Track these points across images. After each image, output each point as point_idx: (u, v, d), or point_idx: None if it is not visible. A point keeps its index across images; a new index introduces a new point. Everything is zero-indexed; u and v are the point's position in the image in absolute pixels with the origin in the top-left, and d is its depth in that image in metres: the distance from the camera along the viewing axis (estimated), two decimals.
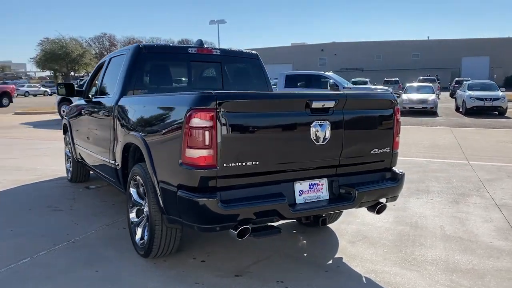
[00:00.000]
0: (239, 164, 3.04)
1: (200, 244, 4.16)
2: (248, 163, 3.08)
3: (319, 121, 3.30)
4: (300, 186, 3.40)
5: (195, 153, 2.95)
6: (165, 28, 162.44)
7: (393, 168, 3.87)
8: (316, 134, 3.29)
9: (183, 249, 3.98)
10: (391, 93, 3.90)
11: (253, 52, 5.26)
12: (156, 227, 3.51)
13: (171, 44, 4.93)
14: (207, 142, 2.91)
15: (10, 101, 27.59)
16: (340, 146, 3.46)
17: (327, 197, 3.51)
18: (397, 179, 3.80)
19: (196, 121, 2.91)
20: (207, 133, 2.90)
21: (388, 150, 3.77)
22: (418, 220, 5.01)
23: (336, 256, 3.95)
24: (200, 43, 4.95)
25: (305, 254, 4.02)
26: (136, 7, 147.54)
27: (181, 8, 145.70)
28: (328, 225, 4.73)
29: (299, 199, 3.38)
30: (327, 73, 16.56)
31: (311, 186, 3.45)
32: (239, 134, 3.04)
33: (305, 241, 4.38)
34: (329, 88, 14.98)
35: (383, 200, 3.76)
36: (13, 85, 31.13)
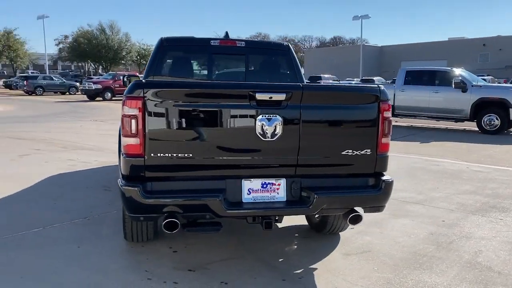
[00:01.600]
0: (169, 155, 2.97)
1: (190, 235, 4.15)
2: (180, 155, 2.98)
3: (267, 115, 3.01)
4: (250, 184, 3.16)
5: (125, 141, 2.97)
6: (316, 26, 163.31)
7: (379, 174, 3.33)
8: (262, 129, 3.01)
9: (170, 237, 4.03)
10: (377, 86, 3.32)
11: (284, 43, 5.02)
12: (124, 214, 3.62)
13: (195, 37, 4.98)
14: (133, 131, 2.91)
15: (113, 95, 29.34)
16: (296, 144, 3.11)
17: (284, 199, 3.20)
18: (378, 187, 3.26)
19: (126, 109, 2.92)
20: (133, 121, 2.90)
21: (368, 153, 3.25)
22: (456, 240, 4.22)
23: (312, 266, 3.57)
24: (226, 35, 4.91)
25: (280, 260, 3.72)
26: (290, 7, 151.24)
27: (330, 5, 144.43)
28: (340, 233, 4.30)
29: (246, 198, 3.15)
30: (455, 69, 14.76)
31: (264, 185, 3.18)
32: (169, 124, 2.95)
33: (295, 246, 4.06)
34: (453, 86, 13.37)
35: (359, 209, 3.28)
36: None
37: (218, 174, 3.11)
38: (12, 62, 52.95)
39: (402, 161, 8.46)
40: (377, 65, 58.54)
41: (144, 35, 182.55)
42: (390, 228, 4.56)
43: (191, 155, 3.00)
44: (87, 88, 29.77)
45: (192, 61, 4.96)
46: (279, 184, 3.20)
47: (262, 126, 3.01)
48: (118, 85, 30.29)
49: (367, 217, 4.69)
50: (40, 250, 3.79)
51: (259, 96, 2.96)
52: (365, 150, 3.24)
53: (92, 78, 36.22)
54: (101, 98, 29.36)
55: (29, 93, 36.82)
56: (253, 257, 3.73)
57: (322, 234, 4.25)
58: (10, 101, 26.72)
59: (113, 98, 29.72)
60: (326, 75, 36.81)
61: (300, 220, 4.45)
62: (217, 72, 4.99)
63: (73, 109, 21.28)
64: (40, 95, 36.24)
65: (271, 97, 2.99)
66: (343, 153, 3.20)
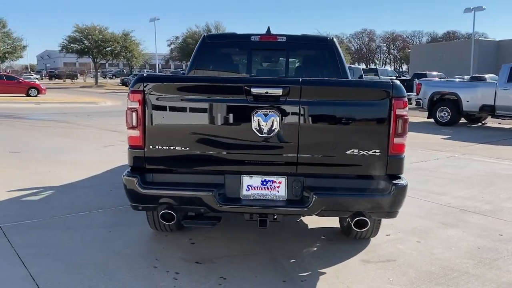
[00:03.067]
0: (168, 148, 3.04)
1: (214, 228, 4.19)
2: (177, 148, 3.04)
3: (263, 110, 2.93)
4: (250, 181, 3.11)
5: (129, 133, 3.10)
6: (427, 21, 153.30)
7: (391, 177, 3.06)
8: (259, 124, 2.94)
9: (195, 229, 4.13)
10: (389, 81, 3.02)
11: (327, 37, 4.82)
12: None
13: (236, 33, 4.98)
14: (134, 123, 3.03)
15: None
16: (296, 141, 2.98)
17: (285, 198, 3.09)
18: (388, 191, 3.00)
19: (128, 103, 3.05)
20: (134, 114, 3.01)
21: (378, 153, 3.00)
22: (504, 257, 3.73)
23: (322, 270, 3.40)
24: (268, 30, 4.86)
25: (292, 261, 3.59)
26: (397, 1, 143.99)
27: None
28: (371, 239, 4.04)
29: (245, 194, 3.10)
30: None
31: (264, 183, 3.10)
32: (167, 117, 3.02)
33: (315, 249, 3.88)
34: None
35: (366, 213, 3.05)
36: None
37: (216, 169, 3.10)
38: (129, 62, 57.90)
39: (486, 166, 7.67)
40: (494, 61, 53.38)
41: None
42: (432, 238, 4.17)
43: (188, 148, 3.04)
44: None
45: (232, 57, 4.98)
46: (279, 182, 3.10)
47: (258, 122, 2.94)
48: None
49: (410, 224, 4.45)
50: (75, 232, 4.11)
51: (255, 91, 2.90)
52: (373, 150, 3.00)
53: None
54: None
55: None
56: (266, 256, 3.66)
57: (351, 239, 4.01)
58: (119, 97, 29.20)
59: None
60: (433, 73, 34.55)
61: (331, 222, 4.25)
62: (257, 68, 4.96)
63: None
64: None
65: (267, 92, 2.90)
66: (348, 152, 3.00)
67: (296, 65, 5.01)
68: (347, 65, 4.83)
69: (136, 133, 3.04)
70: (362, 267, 3.49)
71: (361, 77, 19.23)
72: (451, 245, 3.99)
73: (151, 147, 3.04)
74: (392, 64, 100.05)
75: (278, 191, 3.09)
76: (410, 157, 8.55)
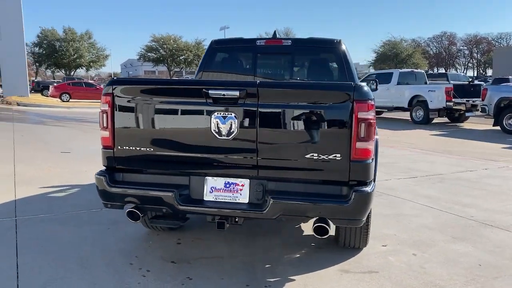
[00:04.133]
0: (133, 148, 3.15)
1: (207, 230, 4.25)
2: (143, 149, 3.14)
3: (222, 113, 2.94)
4: (214, 183, 3.12)
5: (101, 134, 3.25)
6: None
7: (355, 183, 2.92)
8: (217, 126, 2.96)
9: (188, 229, 4.22)
10: (350, 84, 2.88)
11: (334, 39, 4.69)
12: None
13: (243, 38, 5.00)
14: (105, 124, 3.18)
15: None
16: (254, 144, 2.95)
17: (247, 201, 3.07)
18: (347, 198, 2.86)
19: (101, 105, 3.21)
20: (104, 115, 3.16)
21: (338, 158, 2.88)
22: (504, 276, 3.40)
23: (292, 277, 3.31)
24: (274, 34, 4.85)
25: (267, 266, 3.53)
26: (481, 1, 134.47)
27: None
28: (363, 249, 3.88)
29: (208, 196, 3.12)
30: None
31: (228, 185, 3.10)
32: (132, 118, 3.13)
33: (297, 255, 3.79)
34: None
35: (326, 219, 2.93)
36: None
37: (180, 170, 3.16)
38: None
39: None
40: None
41: None
42: (432, 251, 3.90)
43: (152, 149, 3.13)
44: None
45: (238, 61, 5.01)
46: (242, 185, 3.08)
47: (217, 124, 2.96)
48: None
49: (415, 236, 4.21)
50: (79, 228, 4.36)
51: (213, 94, 2.92)
52: (333, 155, 2.88)
53: None
54: None
55: None
56: (243, 259, 3.64)
57: (341, 247, 3.87)
58: None
59: None
60: None
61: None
62: (262, 72, 4.95)
63: None
64: None
65: (224, 95, 2.91)
66: (308, 156, 2.91)
67: (301, 68, 4.94)
68: (354, 67, 4.68)
69: (106, 134, 3.19)
70: (337, 276, 3.36)
71: (424, 82, 18.36)
72: (449, 260, 3.71)
73: (119, 147, 3.17)
74: (475, 68, 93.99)
75: (240, 194, 3.08)
76: (456, 166, 8.07)
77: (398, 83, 17.59)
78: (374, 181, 3.41)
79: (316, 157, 2.89)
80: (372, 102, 2.89)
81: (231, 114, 2.93)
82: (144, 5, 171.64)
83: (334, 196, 2.92)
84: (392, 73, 18.34)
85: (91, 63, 54.92)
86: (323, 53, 4.79)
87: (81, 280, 3.21)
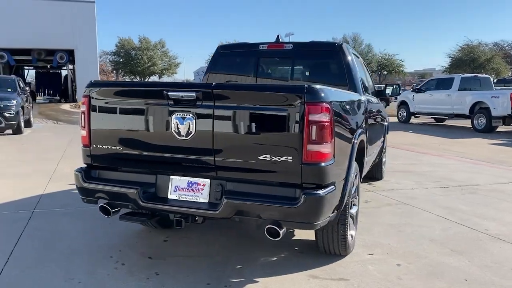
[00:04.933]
0: (106, 147, 3.34)
1: (195, 229, 4.36)
2: (113, 147, 3.32)
3: (180, 114, 3.05)
4: (178, 182, 3.23)
5: (80, 133, 3.49)
6: None
7: (311, 186, 2.88)
8: (177, 127, 3.06)
9: (178, 229, 4.35)
10: (303, 86, 2.83)
11: (335, 43, 4.62)
12: None
13: (247, 43, 5.06)
14: (83, 124, 3.41)
15: None
16: (210, 144, 3.02)
17: (207, 200, 3.13)
18: (297, 201, 2.83)
19: (81, 106, 3.45)
20: (83, 116, 3.40)
21: (290, 160, 2.86)
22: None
23: (257, 279, 3.31)
24: (276, 39, 4.88)
25: (238, 267, 3.55)
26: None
27: None
28: (346, 255, 3.78)
29: (172, 194, 3.23)
30: None
31: (190, 185, 3.19)
32: (105, 119, 3.33)
33: (275, 258, 3.76)
34: None
35: (280, 222, 2.92)
36: None
37: (147, 169, 3.30)
38: None
39: None
40: None
41: (385, 45, 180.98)
42: (420, 263, 3.72)
43: (121, 148, 3.30)
44: None
45: (241, 65, 5.08)
46: (203, 185, 3.15)
47: (177, 125, 3.07)
48: None
49: (410, 246, 4.08)
50: (83, 221, 4.66)
51: (172, 95, 3.03)
52: (285, 157, 2.87)
53: None
54: None
55: None
56: (219, 260, 3.69)
57: (321, 252, 3.80)
58: None
59: None
60: None
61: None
62: (264, 75, 4.98)
63: None
64: None
65: (182, 96, 3.01)
66: (261, 158, 2.93)
67: (302, 72, 4.92)
68: (360, 71, 4.58)
69: (84, 133, 3.42)
70: (303, 281, 3.31)
71: (490, 88, 17.24)
72: (433, 273, 3.51)
73: (94, 146, 3.38)
74: None
75: (201, 194, 3.15)
76: (498, 177, 7.52)
77: (460, 89, 16.65)
78: (347, 184, 3.34)
79: (269, 159, 2.90)
80: (327, 105, 2.84)
81: (189, 115, 3.02)
82: (215, 13, 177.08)
83: (284, 198, 2.90)
84: (453, 78, 17.41)
85: (164, 71, 57.55)
86: (322, 57, 4.74)
87: (59, 268, 3.44)
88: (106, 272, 3.40)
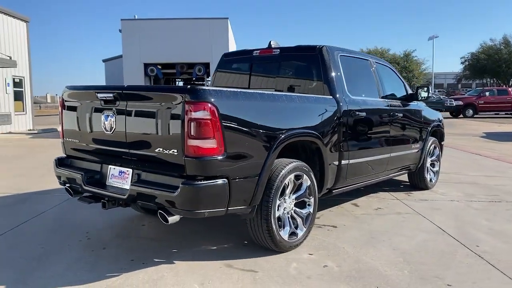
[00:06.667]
0: (70, 140, 4.10)
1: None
2: (74, 140, 4.05)
3: (106, 112, 3.62)
4: (113, 171, 3.79)
5: (58, 129, 4.30)
6: None
7: (199, 178, 3.20)
8: (104, 123, 3.64)
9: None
10: (185, 86, 3.09)
11: (316, 46, 4.66)
12: None
13: (246, 49, 5.33)
14: (59, 121, 4.22)
15: (475, 112, 28.11)
16: (124, 138, 3.52)
17: (128, 187, 3.61)
18: (176, 189, 3.15)
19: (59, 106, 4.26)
20: (59, 114, 4.21)
21: (175, 153, 3.21)
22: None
23: (175, 261, 3.68)
24: (268, 44, 5.13)
25: (173, 250, 3.94)
26: None
27: None
28: (285, 251, 3.90)
29: (109, 182, 3.79)
30: None
31: (120, 173, 3.72)
32: (69, 116, 4.08)
33: (215, 247, 4.04)
34: None
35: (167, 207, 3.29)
36: None
37: (95, 159, 3.93)
38: (409, 82, 57.26)
39: None
40: None
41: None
42: (349, 267, 3.63)
43: (78, 141, 4.00)
44: (448, 104, 29.35)
45: (240, 71, 5.41)
46: (128, 174, 3.66)
47: (104, 121, 3.65)
48: (482, 102, 28.42)
49: (357, 252, 3.95)
50: (92, 209, 5.36)
51: (99, 96, 3.62)
52: (173, 150, 3.23)
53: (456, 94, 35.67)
54: (462, 115, 28.33)
55: None
56: (164, 244, 4.13)
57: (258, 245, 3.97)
58: None
59: (475, 116, 28.06)
60: None
61: None
62: (255, 81, 5.23)
63: None
64: None
65: (105, 97, 3.58)
66: (157, 150, 3.33)
67: (286, 74, 5.05)
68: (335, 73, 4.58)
69: (59, 129, 4.21)
70: (213, 267, 3.56)
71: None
72: (352, 276, 3.42)
73: (66, 139, 4.16)
74: None
75: (126, 181, 3.65)
76: None
77: None
78: (260, 180, 3.50)
79: (162, 151, 3.29)
80: (209, 104, 3.11)
81: (111, 113, 3.58)
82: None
83: (170, 187, 3.23)
84: None
85: None
86: (303, 60, 4.82)
87: (39, 245, 4.11)
88: (78, 239, 4.17)
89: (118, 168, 3.75)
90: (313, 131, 4.06)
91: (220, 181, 3.24)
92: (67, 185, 4.06)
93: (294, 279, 3.38)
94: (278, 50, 4.97)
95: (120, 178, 3.72)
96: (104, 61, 40.79)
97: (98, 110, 3.73)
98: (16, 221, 4.85)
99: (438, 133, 7.06)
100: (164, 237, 4.34)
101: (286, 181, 3.80)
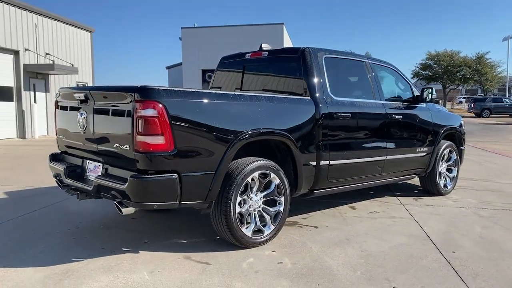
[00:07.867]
0: (60, 137, 4.51)
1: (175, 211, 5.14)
2: (64, 138, 4.45)
3: (80, 111, 3.97)
4: (90, 165, 4.13)
5: (53, 127, 4.73)
6: None
7: (145, 171, 3.42)
8: (79, 121, 3.99)
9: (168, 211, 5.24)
10: (136, 86, 3.30)
11: (299, 48, 4.72)
12: None
13: (241, 52, 5.49)
14: (54, 120, 4.65)
15: None
16: (92, 135, 3.83)
17: (94, 180, 3.91)
18: (125, 182, 3.39)
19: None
20: (54, 113, 4.63)
21: (127, 148, 3.47)
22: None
23: (141, 252, 3.92)
24: (259, 47, 5.27)
25: (145, 242, 4.19)
26: None
27: None
28: (254, 248, 4.02)
29: (87, 175, 4.14)
30: None
31: (95, 168, 4.05)
32: (61, 115, 4.49)
33: (185, 241, 4.24)
34: None
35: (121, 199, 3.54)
36: None
37: (78, 154, 4.29)
38: (482, 86, 53.99)
39: None
40: None
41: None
42: (303, 265, 3.67)
43: (65, 138, 4.39)
44: None
45: (234, 72, 5.57)
46: (99, 167, 3.97)
47: (79, 119, 4.01)
48: None
49: (322, 251, 4.08)
50: (96, 202, 5.84)
51: (75, 96, 3.98)
52: (125, 146, 3.49)
53: None
54: None
55: (476, 115, 37.38)
56: (141, 236, 4.41)
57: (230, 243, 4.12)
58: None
59: None
60: None
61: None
62: (246, 83, 5.38)
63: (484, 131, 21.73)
64: (485, 117, 36.22)
65: (79, 97, 3.92)
66: (115, 145, 3.61)
67: (272, 75, 5.14)
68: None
69: (54, 127, 4.64)
70: (167, 258, 3.75)
71: None
72: (301, 274, 3.47)
73: (58, 136, 4.57)
74: None
75: (98, 174, 3.97)
76: None
77: None
78: (216, 177, 3.66)
79: (118, 147, 3.57)
80: (157, 103, 3.33)
81: (84, 111, 3.92)
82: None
83: (122, 179, 3.48)
84: None
85: None
86: (288, 61, 4.89)
87: (32, 231, 4.56)
88: (68, 228, 4.57)
89: (93, 163, 4.08)
90: (280, 131, 4.12)
91: (168, 176, 3.43)
92: (57, 178, 4.47)
93: (241, 272, 3.49)
94: (267, 52, 5.10)
95: (94, 172, 4.04)
96: (167, 68, 42.76)
97: (76, 109, 4.09)
98: (24, 211, 5.36)
99: (456, 137, 6.77)
100: (145, 230, 4.62)
101: (249, 179, 3.91)
